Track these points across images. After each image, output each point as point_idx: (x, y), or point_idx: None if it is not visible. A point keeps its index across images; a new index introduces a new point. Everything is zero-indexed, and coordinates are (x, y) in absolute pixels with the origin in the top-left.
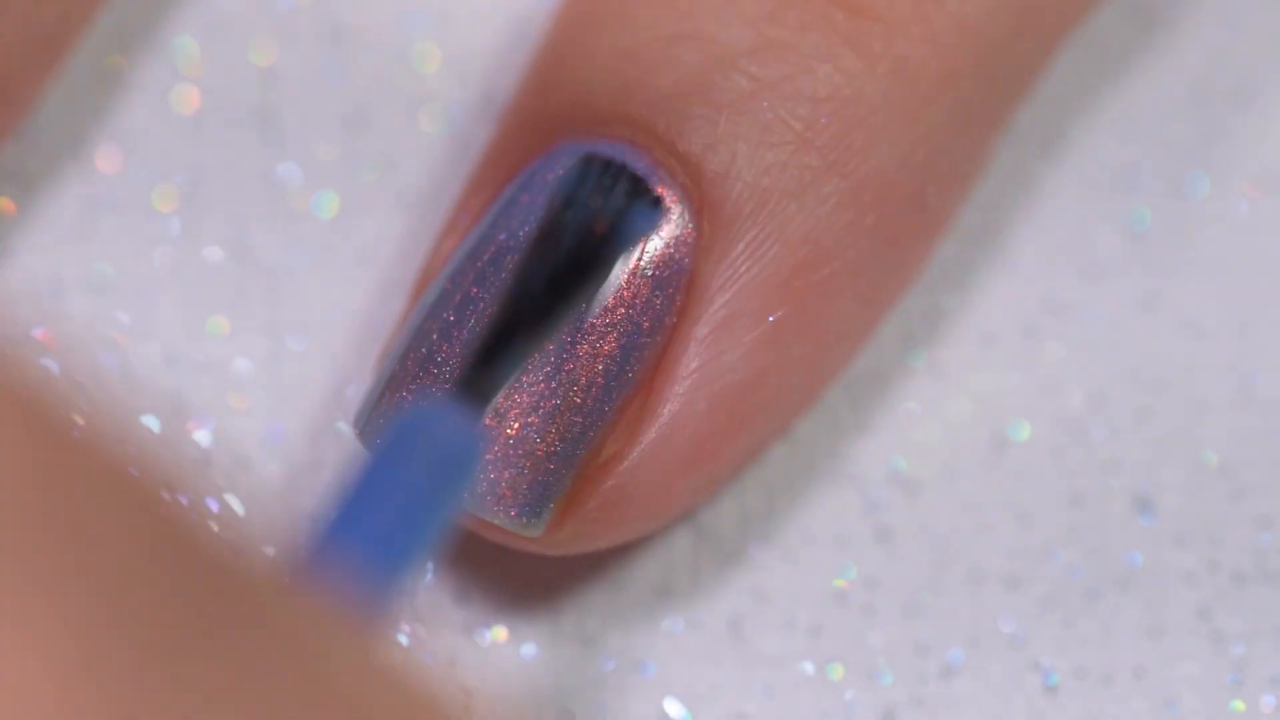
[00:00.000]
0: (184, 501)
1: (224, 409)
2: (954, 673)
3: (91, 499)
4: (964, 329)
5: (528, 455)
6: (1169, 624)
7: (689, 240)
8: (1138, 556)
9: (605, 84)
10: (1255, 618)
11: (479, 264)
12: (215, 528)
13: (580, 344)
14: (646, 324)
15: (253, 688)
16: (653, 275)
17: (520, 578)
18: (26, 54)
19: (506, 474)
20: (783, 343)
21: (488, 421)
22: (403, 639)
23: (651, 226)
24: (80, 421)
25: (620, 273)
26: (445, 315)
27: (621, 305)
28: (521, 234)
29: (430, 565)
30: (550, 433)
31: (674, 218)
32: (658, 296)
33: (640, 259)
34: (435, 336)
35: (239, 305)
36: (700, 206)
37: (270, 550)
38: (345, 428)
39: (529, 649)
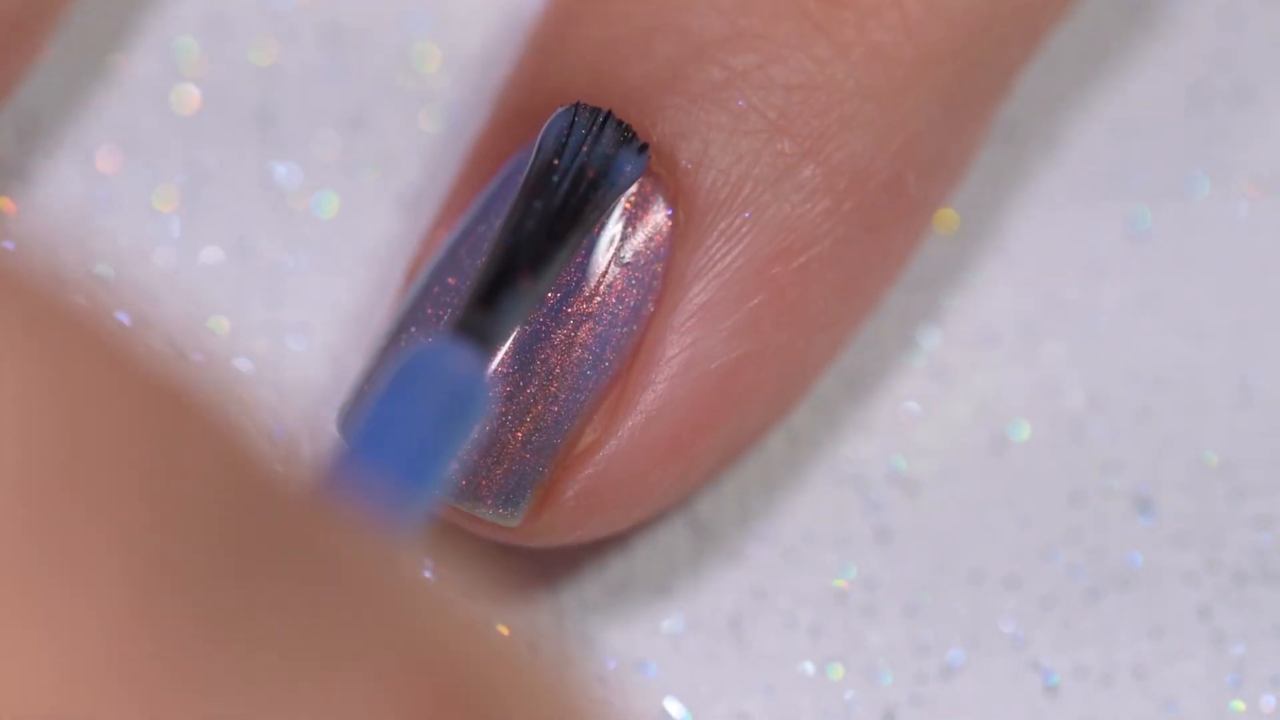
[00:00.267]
0: (230, 423)
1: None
2: (954, 673)
3: (143, 431)
4: (964, 329)
5: (505, 445)
6: (1169, 624)
7: (665, 229)
8: (1138, 556)
9: (583, 76)
10: (1255, 618)
11: (459, 256)
12: (260, 448)
13: (557, 333)
14: (623, 313)
15: (301, 622)
16: (629, 264)
17: (522, 578)
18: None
19: (484, 463)
20: (761, 331)
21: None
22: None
23: (639, 171)
24: (123, 339)
25: (605, 240)
26: (425, 309)
27: (598, 294)
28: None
29: (440, 499)
30: (527, 422)
31: (651, 207)
32: (634, 285)
33: (618, 248)
34: (414, 330)
35: (239, 305)
36: (675, 195)
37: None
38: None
39: (531, 649)
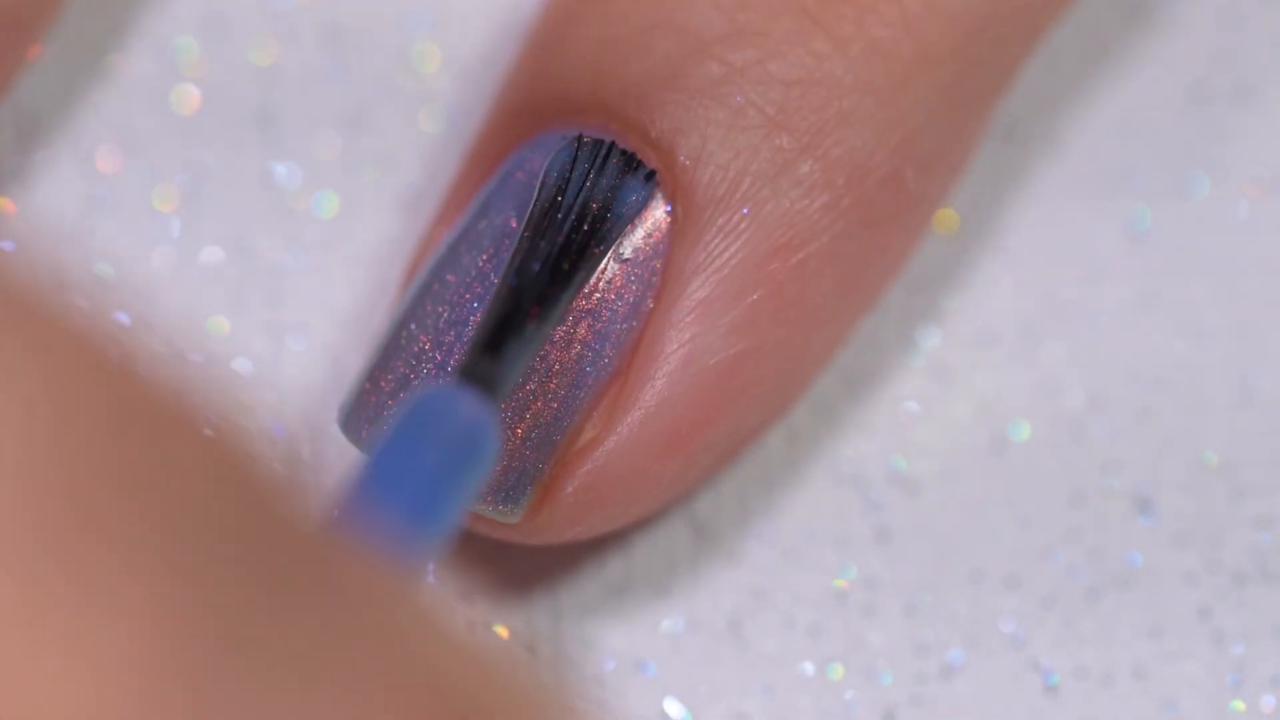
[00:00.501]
0: (259, 462)
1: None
2: (954, 673)
3: (171, 466)
4: (964, 329)
5: (505, 441)
6: (1169, 624)
7: (663, 225)
8: (1138, 556)
9: (582, 74)
10: (1255, 618)
11: (458, 254)
12: (281, 486)
13: (556, 329)
14: (622, 309)
15: (327, 655)
16: (628, 260)
17: (521, 578)
18: None
19: None
20: (760, 327)
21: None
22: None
23: (645, 199)
24: (155, 379)
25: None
26: (425, 306)
27: (597, 290)
28: (500, 222)
29: (446, 545)
30: (527, 419)
31: (650, 203)
32: (633, 281)
33: (617, 244)
34: (413, 327)
35: (239, 305)
36: (674, 191)
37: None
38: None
39: (530, 649)
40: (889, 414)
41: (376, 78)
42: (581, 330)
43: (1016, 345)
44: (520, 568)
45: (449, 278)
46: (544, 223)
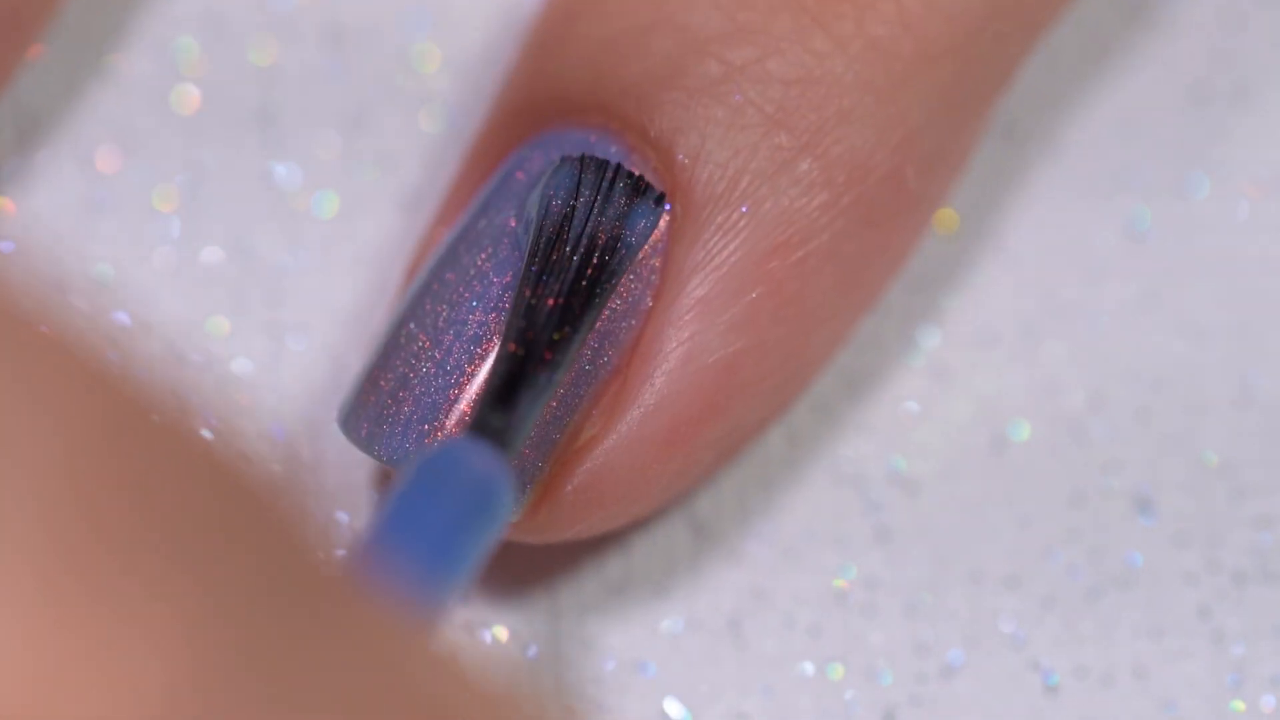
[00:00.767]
0: (284, 503)
1: (224, 409)
2: (954, 673)
3: (198, 496)
4: (964, 329)
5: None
6: (1169, 624)
7: (663, 224)
8: (1138, 556)
9: (581, 73)
10: (1255, 618)
11: (458, 253)
12: (308, 529)
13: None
14: (621, 307)
15: (347, 688)
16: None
17: (521, 578)
18: None
19: None
20: (759, 325)
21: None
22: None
23: (656, 224)
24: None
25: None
26: (425, 305)
27: None
28: (500, 221)
29: (466, 588)
30: None
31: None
32: (632, 280)
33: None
34: (413, 327)
35: (239, 305)
36: (673, 190)
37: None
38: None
39: (529, 649)
40: (889, 414)
41: (376, 78)
42: None
43: (1016, 345)
44: (519, 568)
45: (449, 276)
46: (550, 257)
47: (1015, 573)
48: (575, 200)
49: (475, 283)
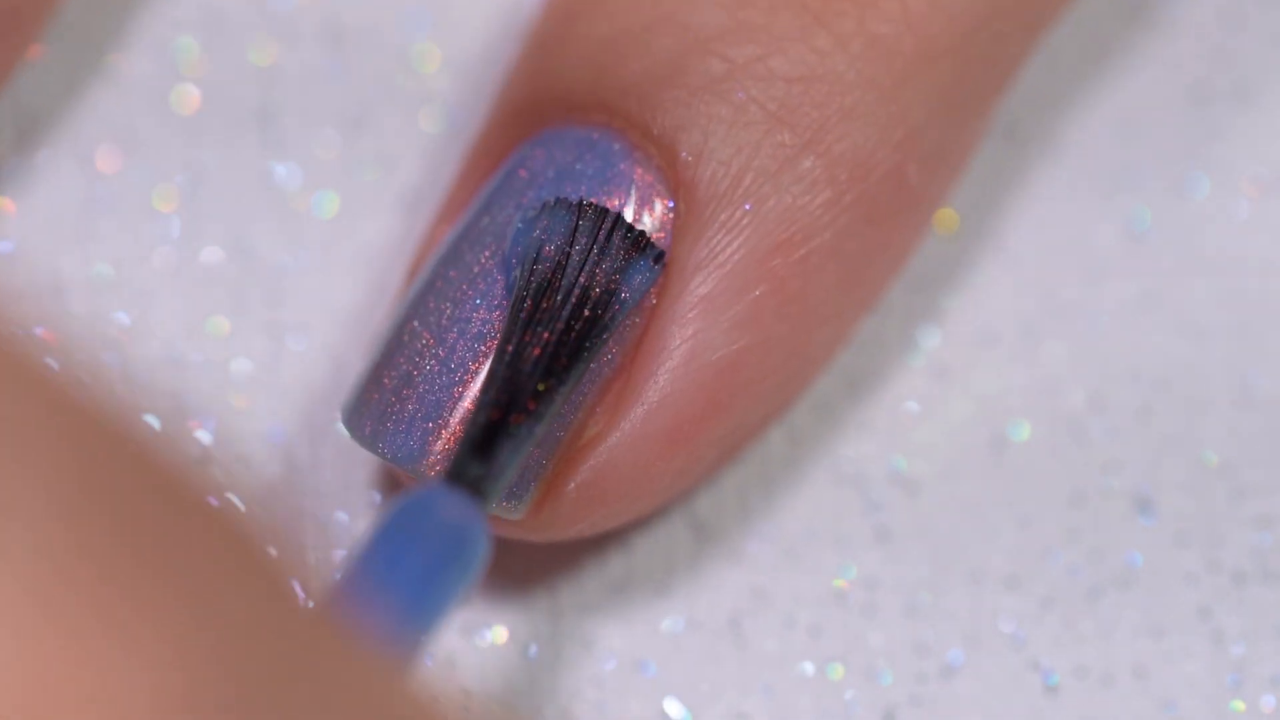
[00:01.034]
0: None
1: (224, 409)
2: (954, 673)
3: (192, 527)
4: (964, 329)
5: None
6: (1169, 624)
7: (667, 221)
8: (1138, 556)
9: (583, 72)
10: (1255, 618)
11: (461, 251)
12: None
13: None
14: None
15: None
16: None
17: (521, 578)
18: None
19: None
20: (762, 322)
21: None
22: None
23: (653, 281)
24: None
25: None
26: (428, 303)
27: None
28: (503, 219)
29: (439, 629)
30: None
31: (652, 199)
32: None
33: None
34: (417, 325)
35: (239, 305)
36: (676, 187)
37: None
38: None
39: (529, 649)
40: (889, 414)
41: (376, 78)
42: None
43: (1016, 345)
44: (520, 567)
45: (452, 274)
46: (540, 304)
47: (1015, 573)
48: (570, 248)
49: (479, 280)
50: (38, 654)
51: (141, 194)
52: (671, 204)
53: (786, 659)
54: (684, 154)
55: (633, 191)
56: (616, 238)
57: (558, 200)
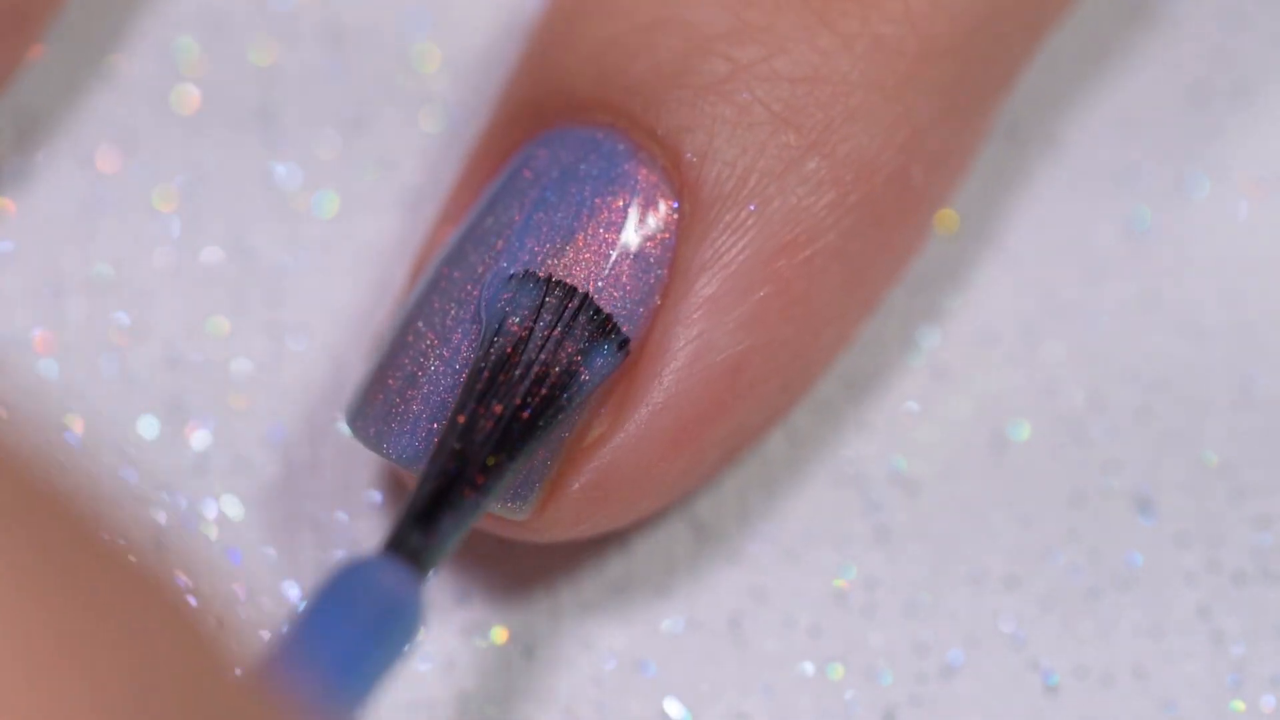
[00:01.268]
0: (193, 602)
1: (224, 409)
2: (954, 673)
3: (137, 602)
4: (964, 329)
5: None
6: (1169, 624)
7: (672, 222)
8: (1138, 556)
9: (587, 72)
10: (1255, 618)
11: (464, 251)
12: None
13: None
14: (631, 306)
15: None
16: (636, 257)
17: (521, 579)
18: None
19: None
20: (767, 323)
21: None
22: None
23: (615, 365)
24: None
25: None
26: (432, 303)
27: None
28: (506, 219)
29: (375, 697)
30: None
31: (657, 200)
32: (641, 278)
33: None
34: (421, 325)
35: (239, 305)
36: (680, 188)
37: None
38: (345, 427)
39: (529, 649)
40: (889, 414)
41: (376, 78)
42: None
43: (1016, 345)
44: (520, 567)
45: (456, 275)
46: (498, 377)
47: (1015, 573)
48: (534, 324)
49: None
50: None
51: (141, 194)
52: (676, 205)
53: (786, 659)
54: (688, 155)
55: (637, 192)
56: (582, 319)
57: (527, 274)
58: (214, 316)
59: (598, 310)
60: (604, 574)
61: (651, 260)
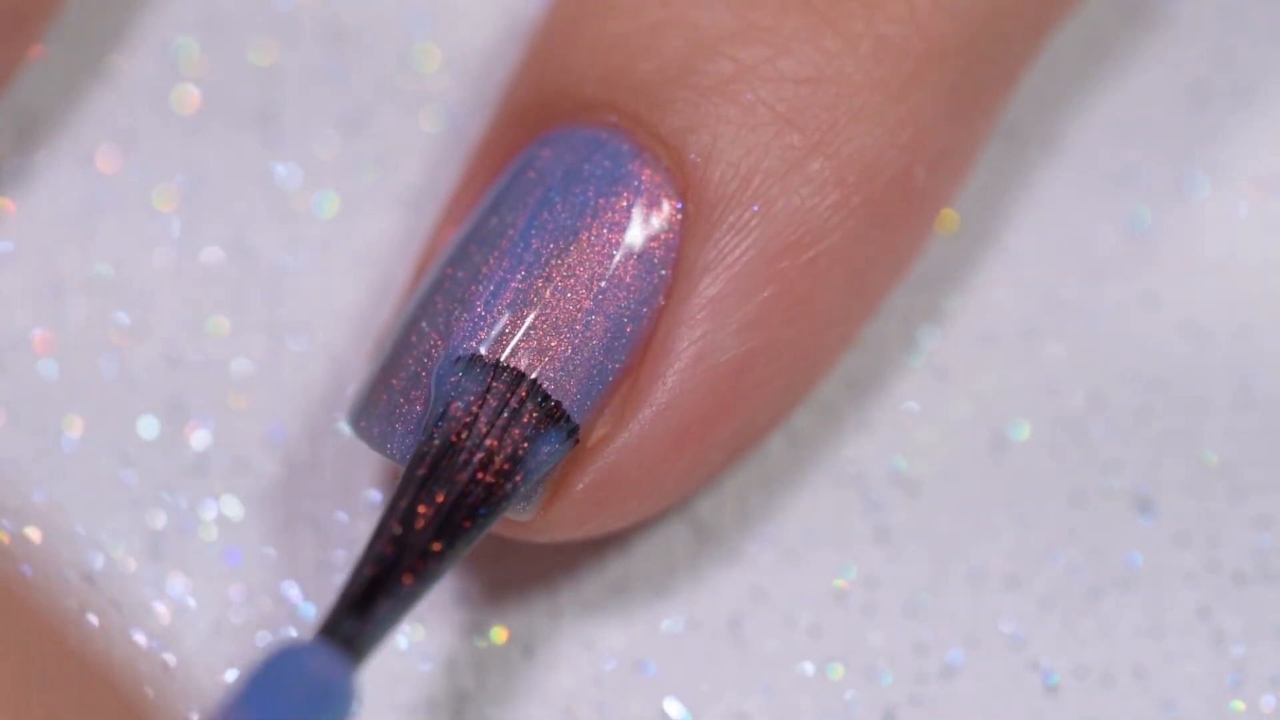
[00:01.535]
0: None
1: (224, 409)
2: (954, 673)
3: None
4: (964, 329)
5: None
6: (1169, 624)
7: (675, 222)
8: (1138, 556)
9: (591, 72)
10: (1255, 618)
11: (469, 252)
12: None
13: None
14: (635, 307)
15: None
16: (640, 257)
17: (521, 578)
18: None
19: None
20: (771, 324)
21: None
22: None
23: (563, 454)
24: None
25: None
26: (436, 304)
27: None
28: (511, 219)
29: None
30: None
31: (660, 200)
32: (645, 278)
33: (629, 246)
34: (425, 325)
35: (239, 305)
36: (684, 188)
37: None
38: (345, 428)
39: (529, 649)
40: (890, 414)
41: (376, 78)
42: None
43: (1016, 345)
44: (520, 567)
45: (460, 275)
46: (440, 464)
47: (1015, 573)
48: (479, 410)
49: (488, 281)
50: None
51: (141, 194)
52: (680, 205)
53: (786, 659)
54: (692, 155)
55: (641, 192)
56: (530, 406)
57: (474, 357)
58: (214, 316)
59: (546, 397)
60: (604, 574)
61: (655, 261)
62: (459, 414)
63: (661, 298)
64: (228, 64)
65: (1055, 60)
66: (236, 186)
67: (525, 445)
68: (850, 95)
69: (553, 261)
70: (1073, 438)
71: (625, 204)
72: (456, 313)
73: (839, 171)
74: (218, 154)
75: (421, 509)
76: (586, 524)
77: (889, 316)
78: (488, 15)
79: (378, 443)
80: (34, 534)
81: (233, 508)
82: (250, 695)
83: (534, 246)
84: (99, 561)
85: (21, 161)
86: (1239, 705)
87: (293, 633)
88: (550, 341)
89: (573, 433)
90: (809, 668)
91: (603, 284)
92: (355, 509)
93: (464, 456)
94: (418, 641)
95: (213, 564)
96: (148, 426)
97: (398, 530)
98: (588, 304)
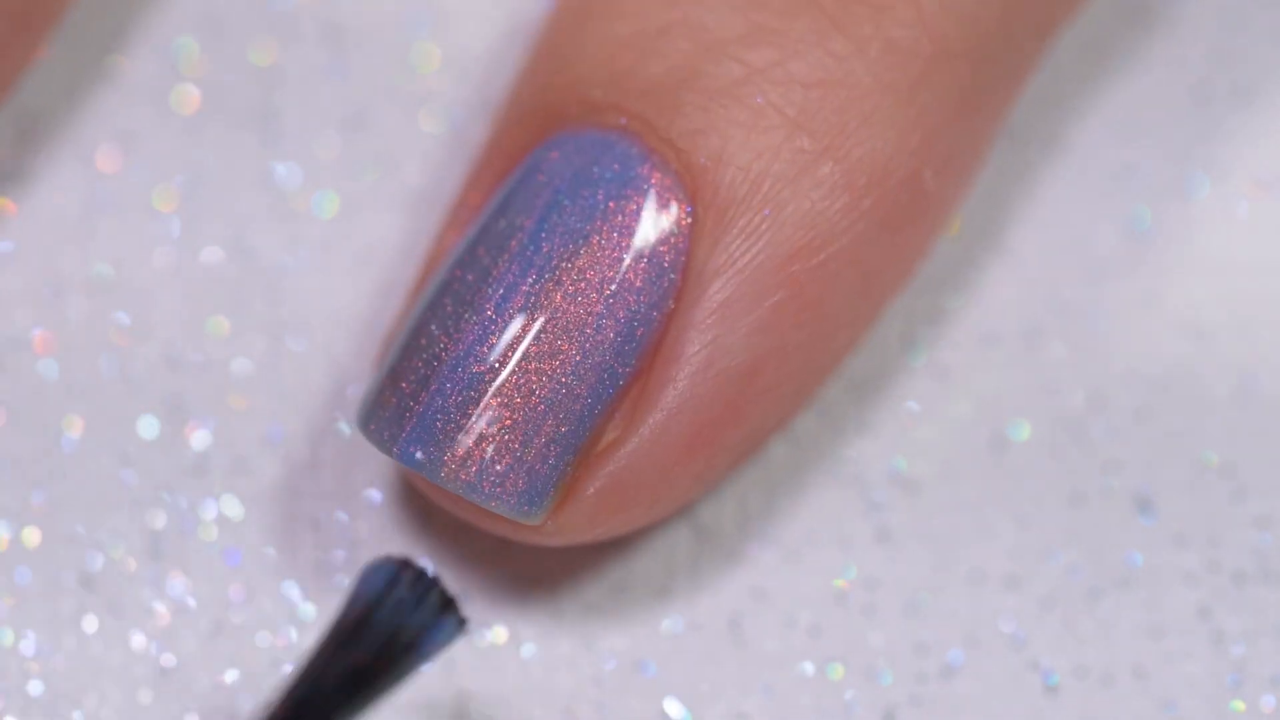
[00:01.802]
0: None
1: (224, 409)
2: (954, 673)
3: None
4: (965, 329)
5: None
6: (1169, 624)
7: (685, 226)
8: (1138, 556)
9: (599, 75)
10: (1255, 618)
11: (477, 253)
12: None
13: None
14: (645, 310)
15: None
16: (650, 261)
17: (521, 578)
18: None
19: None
20: (781, 328)
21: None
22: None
23: (452, 639)
24: None
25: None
26: (445, 306)
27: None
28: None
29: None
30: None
31: (670, 204)
32: (655, 282)
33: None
34: (434, 328)
35: (239, 305)
36: (694, 192)
37: None
38: (345, 428)
39: (529, 649)
40: (890, 414)
41: (376, 78)
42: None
43: (1016, 345)
44: (520, 568)
45: (468, 277)
46: (347, 638)
47: (1015, 573)
48: (385, 598)
49: (496, 283)
50: None
51: (141, 194)
52: (689, 209)
53: (786, 659)
54: (702, 159)
55: (650, 195)
56: (433, 596)
57: (390, 559)
58: (214, 316)
59: (444, 591)
60: (604, 574)
61: (665, 264)
62: (367, 598)
63: (671, 301)
64: (228, 64)
65: (1056, 60)
66: (236, 186)
67: (422, 630)
68: (860, 99)
69: (563, 265)
70: (1073, 438)
71: (635, 207)
72: (466, 315)
73: (849, 175)
74: (218, 154)
75: (329, 675)
76: (597, 528)
77: (890, 316)
78: (488, 16)
79: (386, 445)
80: (34, 534)
81: (233, 508)
82: None
83: (544, 250)
84: (99, 562)
85: (22, 161)
86: (1239, 705)
87: (293, 633)
88: (560, 345)
89: (462, 623)
90: (809, 668)
91: (613, 287)
92: (355, 509)
93: (372, 628)
94: None
95: (212, 564)
96: (148, 426)
97: (305, 692)
98: (598, 307)
